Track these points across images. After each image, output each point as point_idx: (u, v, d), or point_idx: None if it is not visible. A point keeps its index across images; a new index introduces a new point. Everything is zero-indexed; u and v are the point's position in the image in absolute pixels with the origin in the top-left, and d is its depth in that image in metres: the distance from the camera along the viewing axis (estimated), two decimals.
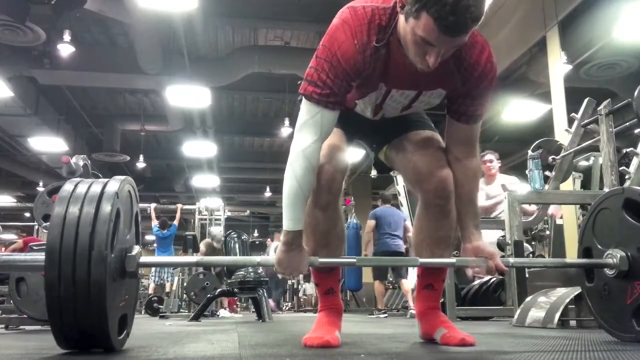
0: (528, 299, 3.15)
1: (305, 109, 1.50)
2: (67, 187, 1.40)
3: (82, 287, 1.27)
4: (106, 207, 1.34)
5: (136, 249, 1.50)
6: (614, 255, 1.62)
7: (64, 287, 1.27)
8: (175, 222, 9.32)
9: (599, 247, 1.73)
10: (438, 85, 1.55)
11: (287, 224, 1.52)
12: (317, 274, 1.83)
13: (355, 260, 1.70)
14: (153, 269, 8.98)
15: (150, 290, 9.12)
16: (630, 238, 1.62)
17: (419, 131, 1.74)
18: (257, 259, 1.68)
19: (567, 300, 2.78)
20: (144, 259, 1.51)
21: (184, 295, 7.35)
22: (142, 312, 8.12)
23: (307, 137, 1.49)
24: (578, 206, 4.62)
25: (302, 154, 1.49)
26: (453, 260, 1.64)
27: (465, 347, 1.59)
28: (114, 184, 1.41)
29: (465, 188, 1.64)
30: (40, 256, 1.34)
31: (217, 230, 8.19)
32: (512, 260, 1.73)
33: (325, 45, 1.46)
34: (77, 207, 1.33)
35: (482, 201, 4.56)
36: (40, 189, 10.26)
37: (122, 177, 1.48)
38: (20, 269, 2.68)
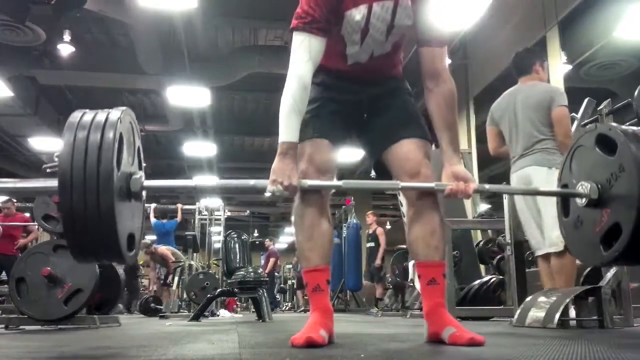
0: (528, 299, 3.15)
1: (295, 39, 1.76)
2: (74, 116, 1.50)
3: (93, 205, 1.40)
4: (109, 133, 1.46)
5: (140, 173, 1.62)
6: (585, 185, 1.72)
7: (76, 207, 1.40)
8: (177, 219, 9.31)
9: (574, 182, 1.81)
10: None
11: (283, 136, 1.71)
12: (306, 272, 1.84)
13: (341, 183, 1.78)
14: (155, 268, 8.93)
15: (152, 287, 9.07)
16: (601, 170, 1.70)
17: (409, 139, 1.87)
18: (251, 182, 1.77)
19: (567, 300, 2.78)
20: (147, 182, 1.62)
21: (184, 295, 7.35)
22: (142, 313, 8.09)
23: (298, 58, 1.74)
24: None
25: (295, 74, 1.72)
26: (432, 184, 1.76)
27: (474, 346, 1.56)
28: (116, 113, 1.53)
29: (440, 114, 1.83)
30: (53, 181, 1.46)
31: None
32: (487, 186, 1.86)
33: None
34: (84, 134, 1.45)
35: None
36: None
37: (123, 108, 1.58)
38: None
